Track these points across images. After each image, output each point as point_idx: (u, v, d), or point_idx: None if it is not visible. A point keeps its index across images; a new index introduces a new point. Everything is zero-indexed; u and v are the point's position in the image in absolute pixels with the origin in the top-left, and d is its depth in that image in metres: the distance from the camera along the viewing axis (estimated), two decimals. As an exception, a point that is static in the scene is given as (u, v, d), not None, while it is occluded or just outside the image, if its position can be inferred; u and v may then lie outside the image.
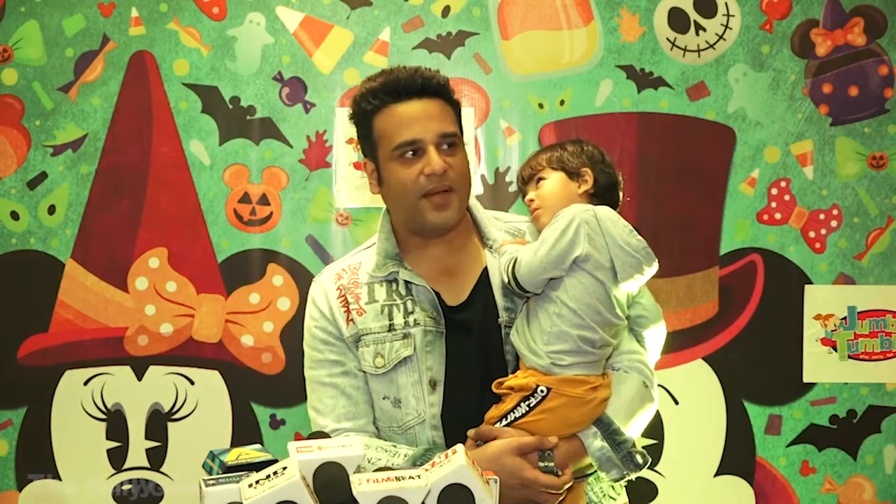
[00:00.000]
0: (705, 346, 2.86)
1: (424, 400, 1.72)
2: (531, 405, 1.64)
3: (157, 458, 2.81)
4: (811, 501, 2.87)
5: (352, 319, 1.77)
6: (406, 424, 1.74)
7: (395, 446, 1.70)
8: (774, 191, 2.85)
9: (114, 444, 2.81)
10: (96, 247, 2.80)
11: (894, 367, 2.87)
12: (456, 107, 1.80)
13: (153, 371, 2.81)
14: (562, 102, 2.83)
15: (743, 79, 2.84)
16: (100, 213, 2.80)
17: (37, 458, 2.79)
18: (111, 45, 2.80)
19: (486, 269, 1.80)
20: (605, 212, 1.71)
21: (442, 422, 1.72)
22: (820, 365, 2.85)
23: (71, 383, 2.80)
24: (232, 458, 1.36)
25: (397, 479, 1.26)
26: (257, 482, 1.22)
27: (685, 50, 2.84)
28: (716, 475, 2.87)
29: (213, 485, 1.27)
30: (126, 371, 2.81)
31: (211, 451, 1.41)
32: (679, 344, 2.84)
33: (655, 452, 2.86)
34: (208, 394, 2.81)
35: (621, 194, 1.84)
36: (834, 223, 2.85)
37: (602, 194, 1.79)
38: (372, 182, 1.83)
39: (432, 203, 1.72)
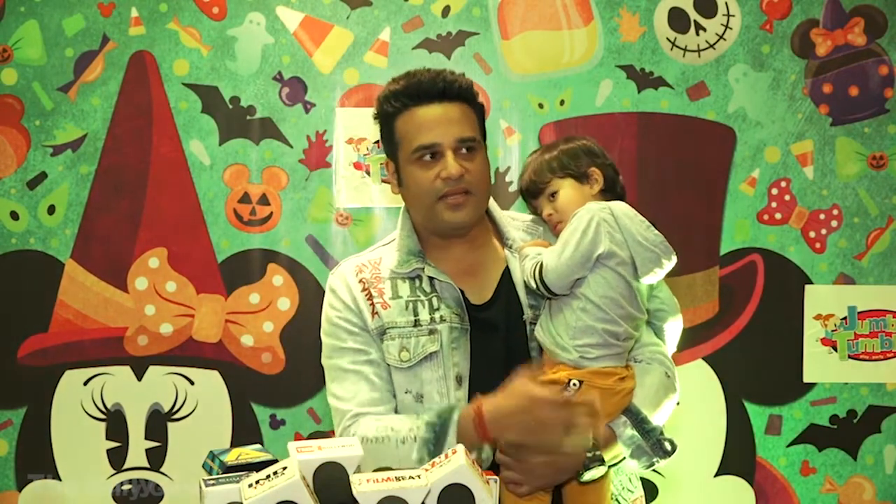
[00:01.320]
0: (705, 346, 2.86)
1: (449, 395, 1.74)
2: None
3: (157, 458, 2.81)
4: (811, 501, 2.87)
5: (376, 312, 1.78)
6: None
7: (417, 415, 1.71)
8: (775, 191, 2.85)
9: (114, 444, 2.81)
10: (96, 247, 2.80)
11: (894, 367, 2.87)
12: (479, 110, 1.82)
13: (153, 371, 2.81)
14: (562, 102, 2.84)
15: (743, 79, 2.84)
16: (100, 213, 2.80)
17: (37, 458, 2.79)
18: (111, 45, 2.80)
19: (507, 268, 1.82)
20: (621, 208, 1.73)
21: None
22: (820, 365, 2.85)
23: (71, 383, 2.80)
24: (232, 458, 1.36)
25: (397, 479, 1.26)
26: (257, 482, 1.22)
27: (685, 50, 2.84)
28: (716, 475, 2.87)
29: (213, 485, 1.27)
30: (126, 371, 2.81)
31: (211, 451, 1.41)
32: (679, 344, 2.83)
33: (655, 452, 2.86)
34: (208, 394, 2.81)
35: (621, 178, 1.86)
36: (834, 223, 2.85)
37: (611, 188, 1.82)
38: (393, 182, 1.85)
39: (448, 203, 1.75)
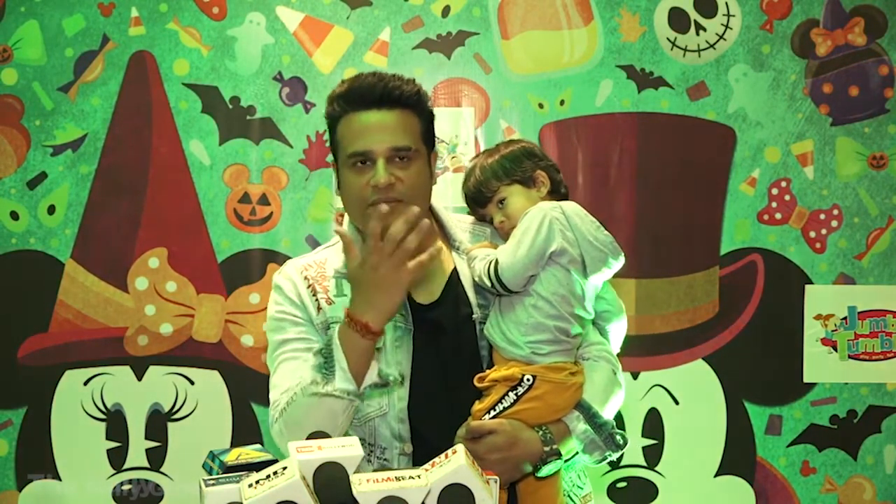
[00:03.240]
0: (705, 346, 2.86)
1: (390, 394, 1.73)
2: (519, 394, 1.69)
3: (157, 458, 2.81)
4: (811, 501, 2.87)
5: (321, 307, 1.78)
6: (366, 416, 1.74)
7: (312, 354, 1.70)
8: (775, 191, 2.85)
9: (114, 445, 2.81)
10: (96, 247, 2.80)
11: (894, 367, 2.87)
12: (424, 116, 1.80)
13: (153, 371, 2.81)
14: (562, 102, 2.84)
15: (743, 79, 2.84)
16: (100, 213, 2.80)
17: (37, 458, 2.79)
18: (111, 45, 2.80)
19: (455, 270, 1.83)
20: (572, 207, 1.76)
21: (409, 416, 1.74)
22: (820, 365, 2.85)
23: (71, 383, 2.80)
24: (232, 458, 1.36)
25: (397, 479, 1.26)
26: (257, 482, 1.22)
27: (685, 50, 2.84)
28: (716, 475, 2.87)
29: (213, 485, 1.27)
30: (126, 371, 2.81)
31: (211, 451, 1.41)
32: (679, 344, 2.85)
33: (655, 452, 2.86)
34: (208, 394, 2.81)
35: (563, 178, 1.88)
36: (834, 223, 2.85)
37: (556, 189, 1.84)
38: (335, 185, 1.86)
39: (378, 211, 1.72)
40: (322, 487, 1.24)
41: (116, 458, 2.81)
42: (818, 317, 2.86)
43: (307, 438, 1.35)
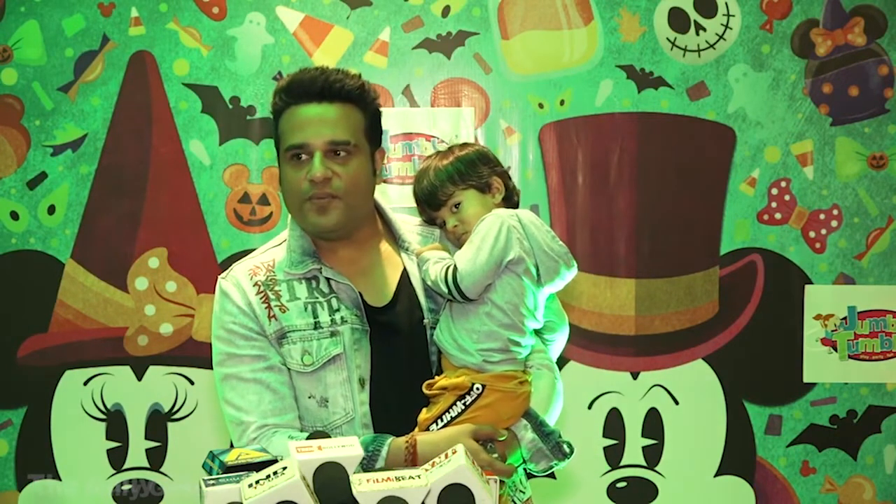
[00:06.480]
0: (705, 346, 2.86)
1: (353, 398, 1.71)
2: (467, 403, 1.67)
3: (157, 458, 2.81)
4: (811, 501, 2.87)
5: (274, 316, 1.73)
6: (333, 424, 1.71)
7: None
8: (774, 191, 2.85)
9: (114, 445, 2.81)
10: (96, 247, 2.80)
11: (894, 367, 2.87)
12: (369, 111, 1.78)
13: (153, 371, 2.81)
14: (562, 102, 2.84)
15: (743, 79, 2.84)
16: (100, 213, 2.80)
17: (37, 458, 2.80)
18: (111, 45, 2.80)
19: (405, 271, 1.80)
20: (527, 216, 1.74)
21: (372, 420, 1.72)
22: (820, 365, 2.86)
23: (71, 383, 2.80)
24: (232, 458, 1.36)
25: (397, 479, 1.26)
26: (257, 482, 1.22)
27: (685, 50, 2.84)
28: (716, 475, 2.87)
29: (213, 485, 1.27)
30: (126, 371, 2.81)
31: (211, 451, 1.41)
32: (679, 344, 2.85)
33: (655, 452, 2.86)
34: (208, 394, 2.81)
35: (516, 186, 1.86)
36: (834, 223, 2.85)
37: (509, 196, 1.82)
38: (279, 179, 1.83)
39: (314, 206, 1.72)
40: (322, 487, 1.24)
41: (116, 458, 2.81)
42: (818, 317, 2.86)
43: (307, 438, 1.35)
